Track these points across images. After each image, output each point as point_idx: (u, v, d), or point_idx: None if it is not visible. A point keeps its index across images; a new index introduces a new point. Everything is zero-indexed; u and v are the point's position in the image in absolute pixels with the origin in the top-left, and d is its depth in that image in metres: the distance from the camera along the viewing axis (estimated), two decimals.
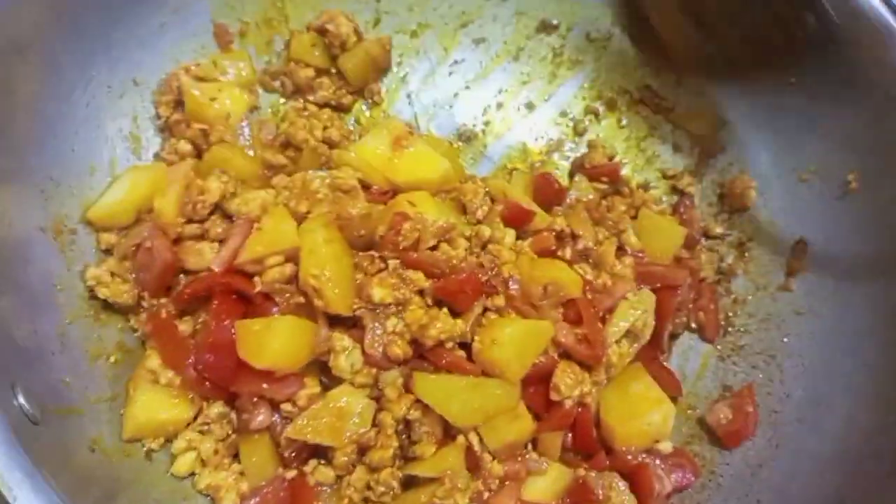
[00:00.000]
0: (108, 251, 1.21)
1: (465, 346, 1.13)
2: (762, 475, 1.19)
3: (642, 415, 1.19)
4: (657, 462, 1.20)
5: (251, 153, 1.34)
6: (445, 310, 1.11)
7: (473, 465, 1.10)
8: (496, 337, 1.10)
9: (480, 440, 1.10)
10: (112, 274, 1.16)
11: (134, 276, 1.17)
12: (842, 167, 1.31)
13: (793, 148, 1.39)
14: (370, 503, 1.08)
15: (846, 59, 1.29)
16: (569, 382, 1.14)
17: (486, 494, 1.10)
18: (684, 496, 1.22)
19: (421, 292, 1.11)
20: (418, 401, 1.07)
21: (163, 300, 1.17)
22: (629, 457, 1.19)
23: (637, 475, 1.17)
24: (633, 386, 1.20)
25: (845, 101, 1.31)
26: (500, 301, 1.14)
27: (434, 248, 1.17)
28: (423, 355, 1.10)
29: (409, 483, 1.09)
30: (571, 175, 1.50)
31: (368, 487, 1.06)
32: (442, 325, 1.06)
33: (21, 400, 0.89)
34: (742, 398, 1.27)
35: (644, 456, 1.20)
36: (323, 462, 1.09)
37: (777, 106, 1.41)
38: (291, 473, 1.09)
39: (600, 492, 1.13)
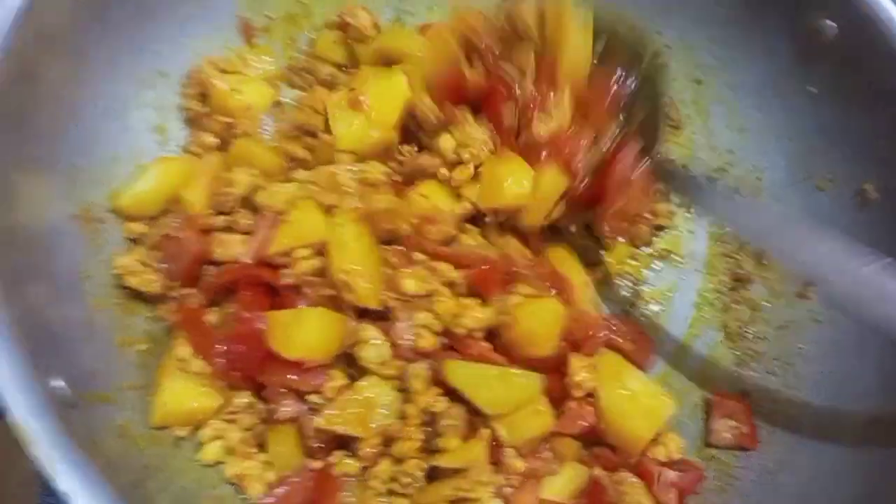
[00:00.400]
0: (134, 240, 1.21)
1: (490, 338, 1.14)
2: (780, 479, 1.20)
3: (641, 412, 1.19)
4: (659, 461, 1.20)
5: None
6: (474, 300, 1.12)
7: (496, 459, 1.10)
8: (531, 310, 1.13)
9: (503, 434, 1.11)
10: (142, 263, 1.16)
11: (161, 266, 1.17)
12: (858, 176, 1.32)
13: (809, 156, 1.40)
14: (394, 494, 1.08)
15: (863, 69, 1.30)
16: (585, 376, 1.15)
17: (506, 490, 1.10)
18: (702, 499, 1.22)
19: (450, 283, 1.12)
20: (444, 393, 1.08)
21: (191, 290, 1.17)
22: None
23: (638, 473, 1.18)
24: (631, 382, 1.19)
25: (862, 110, 1.33)
26: (527, 289, 1.15)
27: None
28: (451, 347, 1.11)
29: (433, 475, 1.09)
30: None
31: (393, 479, 1.07)
32: (473, 314, 1.07)
33: (57, 383, 0.88)
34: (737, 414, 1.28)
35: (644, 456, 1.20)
36: (348, 453, 1.10)
37: (794, 114, 1.43)
38: (318, 464, 1.09)
39: (614, 491, 1.14)
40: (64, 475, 0.78)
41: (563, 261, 1.33)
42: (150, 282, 1.16)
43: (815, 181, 1.38)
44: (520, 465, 1.11)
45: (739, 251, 1.45)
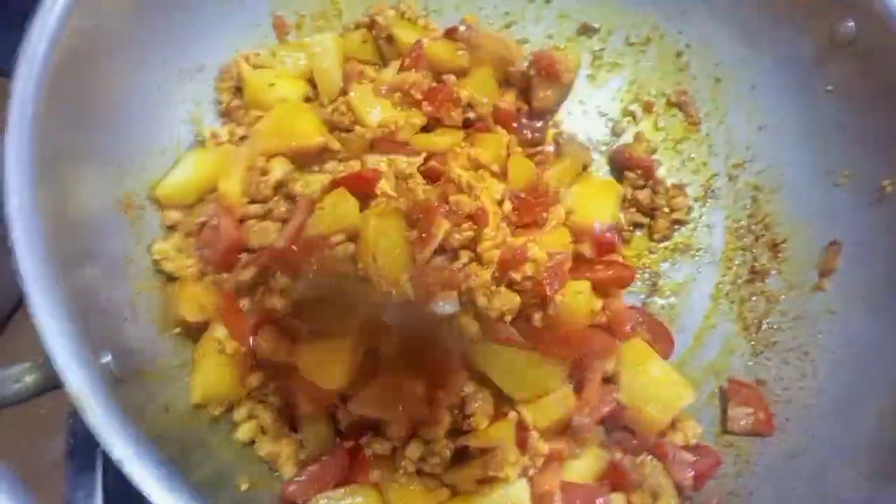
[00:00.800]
0: (171, 228, 1.26)
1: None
2: (797, 464, 1.23)
3: (660, 398, 1.23)
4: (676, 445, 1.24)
5: None
6: (504, 286, 1.16)
7: (522, 441, 1.14)
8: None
9: (529, 418, 1.15)
10: (178, 249, 1.21)
11: (198, 252, 1.22)
12: (876, 173, 1.35)
13: (828, 153, 1.43)
14: (423, 475, 1.12)
15: (881, 69, 1.33)
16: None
17: (531, 471, 1.14)
18: (720, 483, 1.26)
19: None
20: (472, 377, 1.12)
21: (225, 275, 1.22)
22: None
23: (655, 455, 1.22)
24: (653, 369, 1.24)
25: (880, 108, 1.35)
26: None
27: None
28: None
29: (462, 456, 1.13)
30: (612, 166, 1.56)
31: (422, 459, 1.11)
32: (504, 298, 1.11)
33: (106, 359, 0.93)
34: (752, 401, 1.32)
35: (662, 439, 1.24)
36: (378, 435, 1.14)
37: (813, 112, 1.45)
38: (348, 444, 1.13)
39: (635, 474, 1.18)
40: (118, 443, 0.83)
41: None
42: (185, 267, 1.21)
43: (835, 178, 1.41)
44: (543, 447, 1.15)
45: (756, 245, 1.49)
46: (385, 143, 1.32)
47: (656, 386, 1.22)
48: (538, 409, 1.15)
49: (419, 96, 1.35)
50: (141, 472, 0.82)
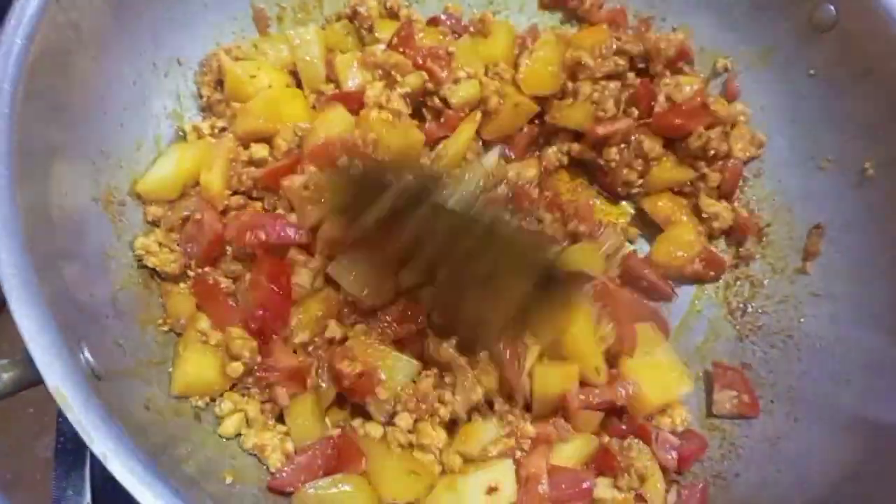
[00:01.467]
0: (154, 223, 1.26)
1: None
2: (781, 447, 1.24)
3: (660, 381, 1.24)
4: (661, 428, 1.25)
5: None
6: None
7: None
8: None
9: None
10: (159, 244, 1.21)
11: (181, 247, 1.21)
12: (859, 155, 1.35)
13: (811, 137, 1.43)
14: (420, 449, 1.13)
15: (862, 51, 1.34)
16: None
17: (518, 454, 1.15)
18: (706, 466, 1.27)
19: None
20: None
21: (208, 269, 1.22)
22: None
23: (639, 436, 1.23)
24: (658, 353, 1.25)
25: (861, 91, 1.36)
26: None
27: None
28: None
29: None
30: None
31: (412, 434, 1.12)
32: None
33: (87, 355, 0.93)
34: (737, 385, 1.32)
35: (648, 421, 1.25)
36: (369, 419, 1.15)
37: (795, 97, 1.46)
38: (336, 431, 1.14)
39: (622, 458, 1.18)
40: (98, 439, 0.83)
41: None
42: (168, 261, 1.21)
43: (817, 162, 1.42)
44: (531, 430, 1.15)
45: None
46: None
47: (660, 370, 1.23)
48: (543, 377, 1.17)
49: (398, 78, 1.37)
50: (122, 467, 0.82)
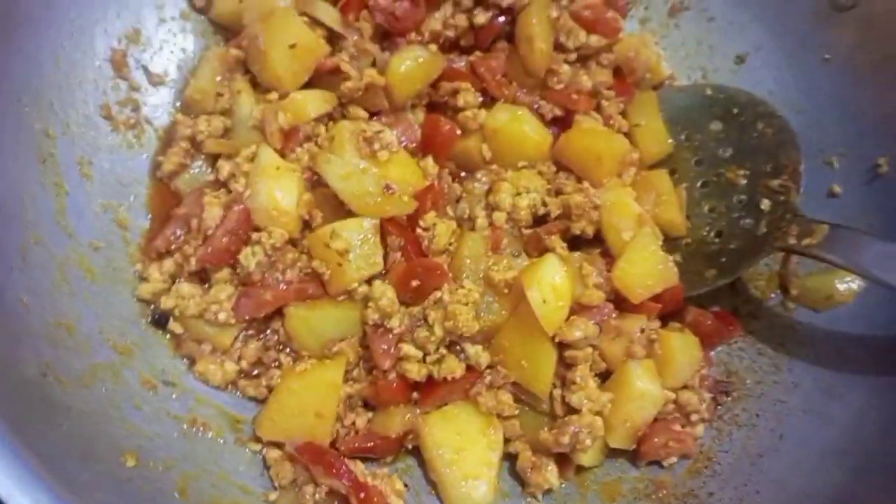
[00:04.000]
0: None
1: None
2: (763, 465, 1.11)
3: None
4: None
5: None
6: None
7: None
8: None
9: None
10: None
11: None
12: (872, 151, 1.24)
13: (822, 129, 1.31)
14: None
15: (883, 36, 1.23)
16: None
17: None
18: (676, 482, 1.14)
19: None
20: None
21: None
22: None
23: None
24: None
25: (880, 80, 1.25)
26: None
27: None
28: None
29: None
30: None
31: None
32: None
33: None
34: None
35: None
36: None
37: (808, 85, 1.34)
38: None
39: None
40: None
41: None
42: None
43: (826, 156, 1.30)
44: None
45: None
46: None
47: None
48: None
49: None
50: None
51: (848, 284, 1.20)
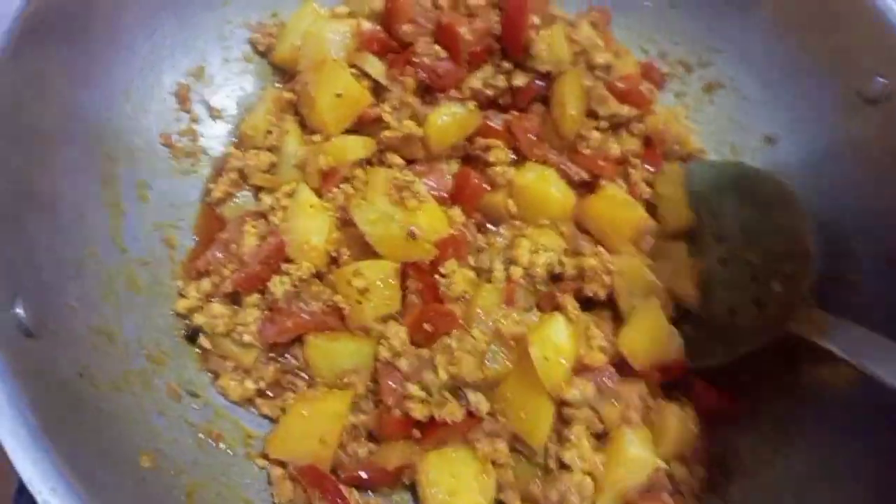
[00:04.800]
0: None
1: None
2: None
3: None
4: None
5: None
6: None
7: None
8: None
9: None
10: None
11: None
12: (893, 242, 1.24)
13: (843, 216, 1.32)
14: None
15: None
16: None
17: None
18: None
19: None
20: None
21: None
22: None
23: None
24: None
25: None
26: None
27: None
28: None
29: None
30: None
31: None
32: None
33: (19, 309, 0.91)
34: None
35: None
36: None
37: (832, 169, 1.36)
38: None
39: None
40: None
41: None
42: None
43: (846, 243, 1.31)
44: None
45: None
46: None
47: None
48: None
49: None
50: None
51: None
